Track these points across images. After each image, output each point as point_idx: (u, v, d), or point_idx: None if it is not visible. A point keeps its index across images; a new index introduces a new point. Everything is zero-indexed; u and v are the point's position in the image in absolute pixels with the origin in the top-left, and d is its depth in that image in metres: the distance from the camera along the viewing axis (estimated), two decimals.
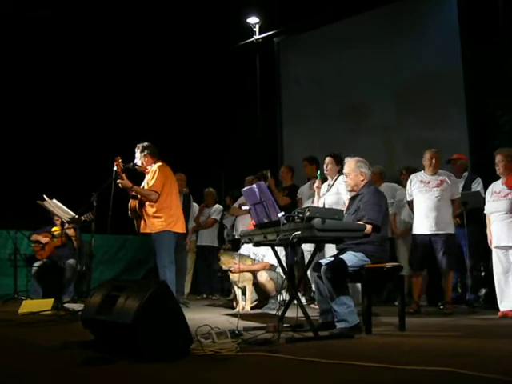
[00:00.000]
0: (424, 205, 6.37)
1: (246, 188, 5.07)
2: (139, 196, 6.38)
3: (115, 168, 6.29)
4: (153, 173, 6.40)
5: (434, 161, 6.46)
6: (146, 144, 6.59)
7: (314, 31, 10.58)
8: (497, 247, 5.92)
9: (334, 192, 6.32)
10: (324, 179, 6.73)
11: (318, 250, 5.02)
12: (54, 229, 7.78)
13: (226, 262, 6.81)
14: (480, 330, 5.03)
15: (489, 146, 6.88)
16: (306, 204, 7.23)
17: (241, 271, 6.70)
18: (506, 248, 5.84)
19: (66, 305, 6.30)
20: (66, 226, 7.19)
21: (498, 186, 6.04)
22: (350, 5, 9.53)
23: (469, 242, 6.69)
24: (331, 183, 6.43)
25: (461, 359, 3.34)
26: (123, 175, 6.29)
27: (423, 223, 6.36)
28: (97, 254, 8.24)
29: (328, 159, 6.55)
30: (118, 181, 6.26)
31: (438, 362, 3.12)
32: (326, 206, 6.12)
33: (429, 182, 6.42)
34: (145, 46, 10.89)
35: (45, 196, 6.81)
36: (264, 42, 11.23)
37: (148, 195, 6.31)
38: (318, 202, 6.35)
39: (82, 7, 10.14)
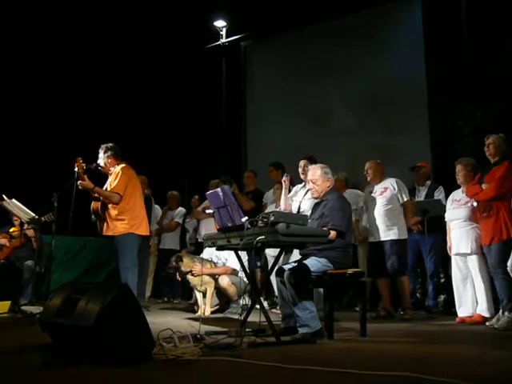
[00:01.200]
0: (373, 213, 6.53)
1: (210, 192, 5.05)
2: (101, 198, 6.29)
3: (76, 169, 6.19)
4: (115, 174, 6.31)
5: (369, 172, 6.61)
6: (109, 145, 6.50)
7: (281, 35, 10.59)
8: (456, 254, 6.03)
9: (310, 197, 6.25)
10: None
11: (285, 253, 5.02)
12: (12, 229, 7.62)
13: (187, 264, 6.77)
14: (439, 335, 5.11)
15: (451, 155, 6.99)
16: (270, 209, 7.26)
17: (202, 274, 6.68)
18: (465, 255, 5.95)
19: (23, 307, 6.17)
20: (26, 226, 7.04)
21: (458, 194, 6.16)
22: (318, 11, 9.58)
23: (429, 249, 6.82)
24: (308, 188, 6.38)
25: (420, 364, 3.38)
26: (84, 176, 6.19)
27: (372, 231, 6.54)
28: (57, 256, 8.08)
29: (303, 162, 6.59)
30: (79, 182, 6.15)
31: (399, 367, 3.16)
32: (302, 211, 6.13)
33: (375, 192, 6.57)
34: (110, 46, 10.74)
35: (4, 196, 6.67)
36: (231, 46, 11.22)
37: (110, 197, 6.22)
38: (292, 207, 6.35)
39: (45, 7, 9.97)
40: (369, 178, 6.67)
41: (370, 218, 6.57)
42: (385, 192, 6.49)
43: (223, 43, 11.17)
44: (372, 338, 4.63)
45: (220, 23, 11.08)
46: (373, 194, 6.58)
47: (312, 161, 6.40)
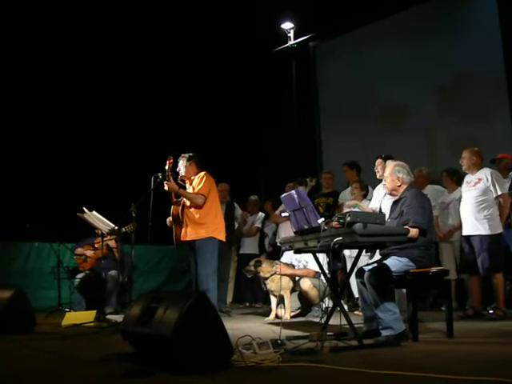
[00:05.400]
0: (464, 205, 6.24)
1: (284, 194, 4.99)
2: (184, 201, 6.33)
3: (166, 167, 6.23)
4: (200, 178, 6.31)
5: (463, 161, 6.29)
6: (191, 154, 6.55)
7: (349, 33, 10.48)
8: None
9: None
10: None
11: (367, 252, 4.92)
12: (96, 240, 7.82)
13: (266, 269, 6.73)
14: None
15: None
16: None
17: (285, 274, 6.63)
18: None
19: (108, 316, 6.31)
20: (107, 237, 7.20)
21: None
22: (385, 5, 9.38)
23: None
24: None
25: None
26: (171, 178, 6.25)
27: (464, 225, 6.23)
28: (138, 265, 8.23)
29: (378, 161, 6.52)
30: (165, 182, 6.17)
31: (489, 370, 2.99)
32: (383, 210, 6.01)
33: (470, 182, 6.25)
34: (182, 56, 10.88)
35: (84, 208, 6.84)
36: (299, 47, 11.18)
37: (194, 198, 6.20)
38: (374, 206, 6.39)
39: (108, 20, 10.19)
40: (463, 168, 6.36)
41: (463, 210, 6.26)
42: (478, 183, 6.14)
43: (291, 45, 11.13)
44: (459, 339, 4.42)
45: (287, 25, 11.07)
46: (467, 185, 6.27)
47: (387, 159, 6.26)
